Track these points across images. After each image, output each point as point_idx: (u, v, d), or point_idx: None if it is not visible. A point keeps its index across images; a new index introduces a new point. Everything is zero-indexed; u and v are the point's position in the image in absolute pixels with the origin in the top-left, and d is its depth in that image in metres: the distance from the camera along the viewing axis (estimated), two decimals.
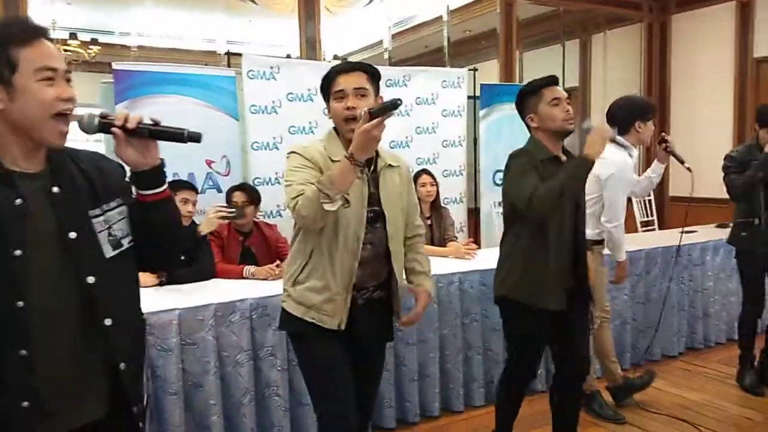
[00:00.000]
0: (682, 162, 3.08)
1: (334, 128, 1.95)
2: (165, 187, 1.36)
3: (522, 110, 2.39)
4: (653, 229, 6.08)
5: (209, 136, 4.10)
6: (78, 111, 1.27)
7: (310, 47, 4.88)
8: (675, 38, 6.74)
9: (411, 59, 6.45)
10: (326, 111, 1.96)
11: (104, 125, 1.27)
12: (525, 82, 3.52)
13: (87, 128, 1.27)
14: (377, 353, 2.11)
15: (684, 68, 6.67)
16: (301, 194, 1.74)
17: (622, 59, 6.86)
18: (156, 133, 1.32)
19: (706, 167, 6.39)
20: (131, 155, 1.30)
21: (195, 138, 1.33)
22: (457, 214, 4.70)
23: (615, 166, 2.84)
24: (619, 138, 2.94)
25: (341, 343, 1.91)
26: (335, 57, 5.54)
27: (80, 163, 1.29)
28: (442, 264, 3.32)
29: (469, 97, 5.03)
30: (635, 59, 6.89)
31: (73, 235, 1.22)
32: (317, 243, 1.86)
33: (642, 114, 2.99)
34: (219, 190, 3.96)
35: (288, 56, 4.90)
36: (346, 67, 1.94)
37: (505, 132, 5.11)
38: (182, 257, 2.99)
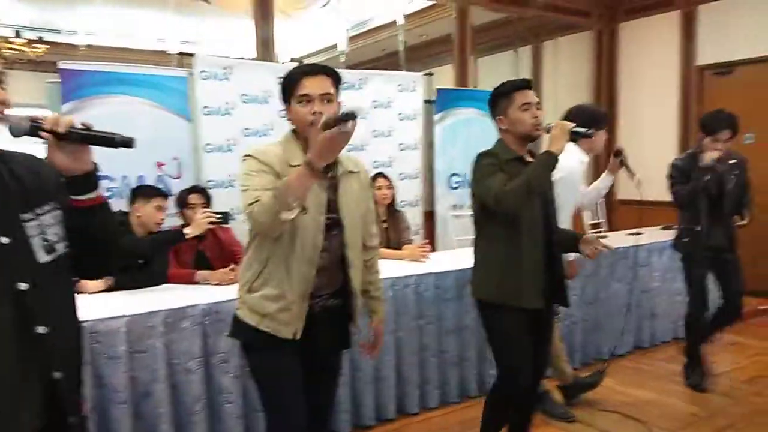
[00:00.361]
0: (633, 175, 3.08)
1: (293, 131, 1.89)
2: (98, 192, 1.30)
3: (492, 110, 2.41)
4: (602, 232, 6.24)
5: (160, 138, 4.11)
6: (16, 112, 1.21)
7: (265, 49, 4.83)
8: (623, 46, 6.96)
9: (367, 63, 6.46)
10: (285, 113, 1.89)
11: (34, 129, 1.21)
12: (480, 87, 3.53)
13: (15, 132, 1.20)
14: (333, 362, 2.08)
15: (631, 75, 6.88)
16: (258, 200, 1.69)
17: (572, 65, 7.03)
18: (87, 137, 1.25)
19: (651, 171, 6.61)
20: (62, 160, 1.25)
21: (127, 143, 1.29)
22: (413, 218, 4.73)
23: (565, 170, 2.86)
24: (571, 144, 3.00)
25: (296, 352, 1.86)
26: (291, 59, 5.50)
27: (12, 165, 1.23)
28: (397, 267, 3.33)
29: (425, 101, 5.08)
30: (585, 66, 7.07)
31: (4, 240, 1.16)
32: (273, 250, 1.81)
33: (595, 122, 3.01)
34: (170, 194, 3.86)
35: (242, 57, 4.83)
36: (312, 69, 1.87)
37: (461, 136, 5.18)
38: (140, 262, 2.95)
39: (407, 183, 4.91)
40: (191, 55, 4.08)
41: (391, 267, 3.33)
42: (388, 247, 3.78)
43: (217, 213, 3.06)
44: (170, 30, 5.52)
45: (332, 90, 1.87)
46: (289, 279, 1.80)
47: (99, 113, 3.70)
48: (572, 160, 2.95)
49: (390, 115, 4.82)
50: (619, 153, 3.15)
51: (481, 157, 2.34)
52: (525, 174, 2.19)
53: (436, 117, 5.15)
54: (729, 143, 3.28)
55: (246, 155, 1.83)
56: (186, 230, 2.97)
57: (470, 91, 5.52)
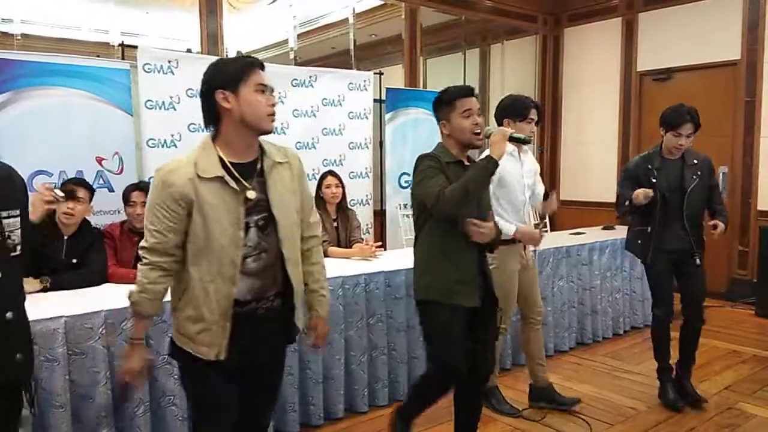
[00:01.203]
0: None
1: (212, 136, 1.79)
2: None
3: (436, 116, 2.47)
4: (545, 231, 6.40)
5: (100, 132, 3.96)
6: None
7: (212, 42, 4.73)
8: (567, 50, 7.16)
9: (317, 60, 6.40)
10: (224, 100, 1.73)
11: None
12: (429, 88, 3.51)
13: None
14: (277, 360, 1.99)
15: (575, 79, 7.09)
16: (145, 249, 1.74)
17: (518, 68, 7.18)
18: None
19: (593, 173, 6.89)
20: None
21: None
22: (363, 216, 4.73)
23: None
24: None
25: (224, 367, 1.77)
26: (238, 53, 5.40)
27: None
28: (347, 265, 3.32)
29: (375, 101, 5.08)
30: (530, 69, 7.23)
31: None
32: (189, 274, 1.74)
33: (510, 113, 3.04)
34: (111, 189, 3.75)
35: (189, 50, 4.71)
36: (263, 65, 1.83)
37: (411, 136, 5.22)
38: (74, 261, 2.84)
39: (357, 182, 4.91)
40: (134, 47, 3.95)
41: (341, 266, 3.32)
42: (338, 246, 3.77)
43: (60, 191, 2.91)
44: (112, 21, 5.33)
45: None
46: (207, 300, 1.72)
47: (35, 105, 3.55)
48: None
49: (340, 113, 4.80)
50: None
51: (423, 159, 2.39)
52: (465, 178, 2.27)
53: (387, 116, 5.17)
54: (691, 138, 3.15)
55: (156, 172, 1.74)
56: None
57: (420, 92, 5.57)
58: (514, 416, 3.18)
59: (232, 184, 1.71)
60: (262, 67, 1.81)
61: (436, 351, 2.43)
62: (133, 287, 1.76)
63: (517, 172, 3.06)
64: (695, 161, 3.23)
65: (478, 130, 2.35)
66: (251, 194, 1.75)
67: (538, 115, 3.11)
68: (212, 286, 1.72)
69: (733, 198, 5.74)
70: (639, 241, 3.33)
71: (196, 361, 1.76)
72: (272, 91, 1.82)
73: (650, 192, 3.10)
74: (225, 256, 1.71)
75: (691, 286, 3.30)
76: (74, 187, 2.92)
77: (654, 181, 3.17)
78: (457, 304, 2.32)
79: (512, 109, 3.08)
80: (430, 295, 2.37)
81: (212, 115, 1.77)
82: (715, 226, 3.13)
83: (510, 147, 2.98)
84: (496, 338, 2.57)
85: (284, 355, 2.03)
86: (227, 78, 1.74)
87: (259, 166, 1.80)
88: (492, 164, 2.28)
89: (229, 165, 1.73)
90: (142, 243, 1.75)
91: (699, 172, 3.21)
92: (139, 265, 1.76)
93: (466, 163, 2.42)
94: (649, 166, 3.21)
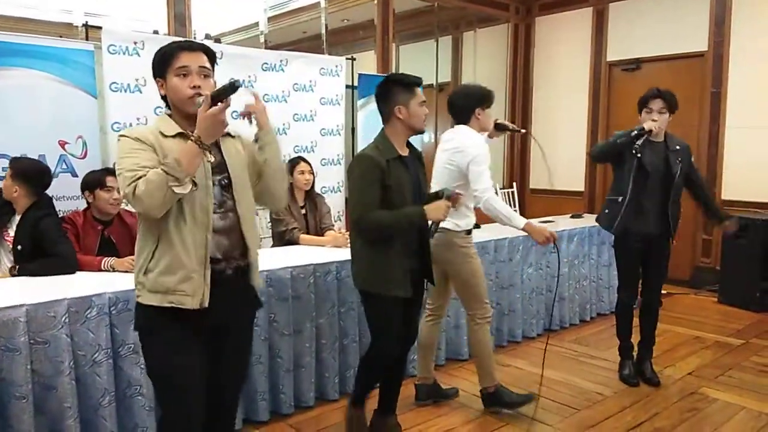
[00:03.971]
0: (515, 130, 3.15)
1: (167, 114, 1.89)
2: None
3: (388, 98, 2.48)
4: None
5: (63, 115, 3.85)
6: None
7: (179, 24, 4.62)
8: (538, 39, 7.20)
9: (288, 44, 6.32)
10: (159, 88, 1.87)
11: None
12: None
13: None
14: (245, 332, 2.02)
15: (545, 68, 7.14)
16: (138, 179, 1.68)
17: (490, 57, 7.19)
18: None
19: (563, 161, 6.96)
20: None
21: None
22: (335, 203, 4.70)
23: (475, 147, 2.89)
24: (464, 127, 3.00)
25: (200, 333, 1.82)
26: (207, 36, 5.28)
27: None
28: (318, 253, 3.30)
29: (347, 87, 5.03)
30: (502, 57, 7.26)
31: None
32: (164, 225, 1.77)
33: (480, 101, 3.04)
34: (74, 174, 3.64)
35: (155, 32, 4.59)
36: (190, 45, 1.88)
37: (377, 121, 5.18)
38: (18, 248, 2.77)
39: (329, 168, 4.87)
40: (99, 27, 3.83)
41: (312, 253, 3.29)
42: (308, 233, 3.74)
43: None
44: (76, 1, 5.17)
45: (208, 65, 1.88)
46: (184, 248, 1.77)
47: None
48: (478, 139, 2.95)
49: (312, 98, 4.74)
50: (495, 122, 3.19)
51: (361, 161, 2.44)
52: (395, 219, 2.38)
53: (359, 103, 5.13)
54: (666, 117, 3.23)
55: (120, 136, 1.82)
56: None
57: None
58: (531, 401, 3.07)
59: (194, 139, 1.74)
60: (190, 49, 1.85)
61: (374, 336, 2.59)
62: (161, 179, 1.66)
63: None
64: (677, 147, 3.32)
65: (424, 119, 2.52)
66: (210, 156, 1.82)
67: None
68: (189, 234, 1.77)
69: None
70: (606, 211, 3.40)
71: (173, 319, 1.77)
72: (202, 69, 1.85)
73: (651, 123, 3.18)
74: (197, 204, 1.78)
75: (655, 271, 3.44)
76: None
77: (639, 156, 3.21)
78: (394, 296, 2.44)
79: (483, 98, 3.07)
80: (368, 286, 2.49)
81: (164, 100, 1.91)
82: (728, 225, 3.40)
83: (485, 137, 3.06)
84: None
85: (252, 322, 2.08)
86: (157, 66, 1.87)
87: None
88: (422, 222, 2.42)
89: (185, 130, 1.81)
90: (126, 182, 1.70)
91: (680, 159, 3.29)
92: (137, 188, 1.67)
93: (404, 154, 2.50)
94: (635, 142, 3.21)
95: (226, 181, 1.87)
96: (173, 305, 1.77)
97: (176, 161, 1.67)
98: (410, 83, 2.48)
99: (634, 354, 3.57)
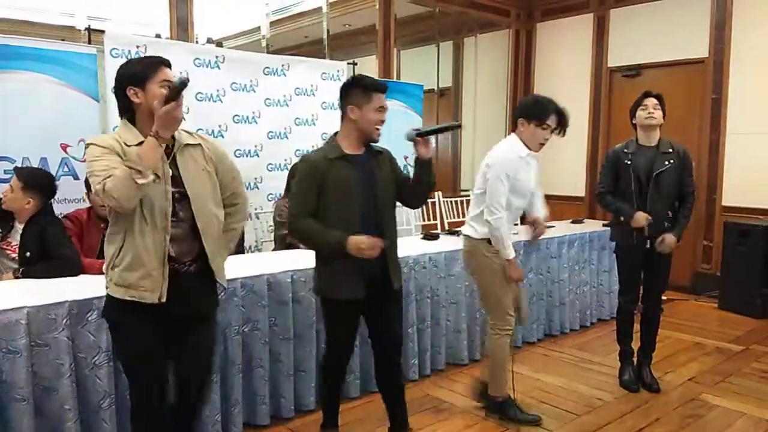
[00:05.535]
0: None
1: (127, 119, 2.03)
2: None
3: (345, 97, 2.46)
4: (516, 224, 6.46)
5: (65, 118, 3.86)
6: None
7: (182, 28, 4.63)
8: (539, 45, 7.21)
9: (290, 49, 6.32)
10: (135, 96, 1.98)
11: None
12: (403, 79, 3.46)
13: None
14: (201, 327, 2.17)
15: (546, 74, 7.15)
16: (108, 177, 1.84)
17: (491, 62, 7.21)
18: None
19: (563, 167, 6.97)
20: None
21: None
22: None
23: (496, 158, 2.88)
24: (512, 136, 2.97)
25: (160, 323, 2.00)
26: (209, 40, 5.30)
27: None
28: None
29: None
30: (503, 62, 7.27)
31: None
32: (128, 226, 1.95)
33: (525, 113, 2.92)
34: (76, 177, 3.66)
35: (158, 36, 4.61)
36: (169, 63, 2.05)
37: (384, 127, 5.18)
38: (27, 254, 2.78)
39: None
40: (101, 31, 3.85)
41: (313, 257, 3.28)
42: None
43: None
44: (79, 4, 5.19)
45: None
46: (145, 247, 1.95)
47: None
48: (507, 151, 2.90)
49: (313, 103, 4.76)
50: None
51: (302, 161, 2.50)
52: (317, 236, 2.37)
53: None
54: (659, 112, 3.28)
55: (87, 143, 1.98)
56: None
57: (393, 83, 5.54)
58: (537, 424, 3.02)
59: (152, 133, 1.90)
60: (169, 66, 2.04)
61: (327, 339, 2.60)
62: (126, 175, 1.83)
63: (527, 178, 2.93)
64: (670, 150, 3.32)
65: (380, 126, 2.43)
66: (167, 168, 1.98)
67: (560, 123, 2.92)
68: (149, 235, 1.95)
69: (698, 194, 5.86)
70: (616, 221, 3.46)
71: (135, 310, 1.96)
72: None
73: (649, 217, 3.23)
74: (157, 207, 1.96)
75: (656, 278, 3.43)
76: (14, 175, 2.92)
77: (629, 163, 3.30)
78: (336, 299, 2.43)
79: (529, 111, 2.92)
80: (316, 290, 2.56)
81: (125, 107, 2.02)
82: (662, 240, 3.26)
83: (523, 151, 2.89)
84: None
85: (212, 318, 2.26)
86: (135, 76, 1.98)
87: (171, 148, 2.02)
88: (340, 246, 2.29)
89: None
90: (98, 187, 1.86)
91: (672, 160, 3.29)
92: (107, 185, 1.83)
93: (355, 153, 2.43)
94: (625, 151, 3.35)
95: (177, 195, 2.00)
96: (134, 299, 1.96)
97: (138, 155, 1.85)
98: (368, 87, 2.41)
99: (635, 360, 3.57)
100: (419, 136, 2.45)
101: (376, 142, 2.48)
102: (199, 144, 2.11)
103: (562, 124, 2.95)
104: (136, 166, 1.82)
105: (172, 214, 1.99)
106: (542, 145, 2.94)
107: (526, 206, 3.03)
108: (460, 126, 2.62)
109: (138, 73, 1.98)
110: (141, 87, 1.97)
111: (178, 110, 1.89)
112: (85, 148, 1.98)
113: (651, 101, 3.31)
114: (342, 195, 2.37)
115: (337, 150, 2.42)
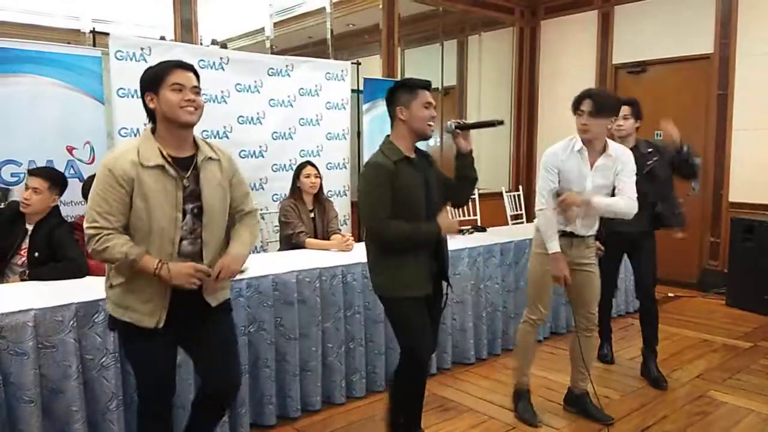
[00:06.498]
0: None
1: (151, 129, 2.00)
2: None
3: (393, 101, 2.48)
4: (522, 222, 6.46)
5: (71, 120, 3.89)
6: None
7: (186, 30, 4.65)
8: (543, 42, 7.19)
9: (294, 49, 6.33)
10: (149, 102, 1.97)
11: None
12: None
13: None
14: (215, 335, 2.12)
15: (551, 71, 7.13)
16: (101, 235, 1.86)
17: (495, 60, 7.19)
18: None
19: None
20: None
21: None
22: (341, 207, 4.71)
23: (547, 151, 2.99)
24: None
25: (163, 335, 1.98)
26: (213, 42, 5.31)
27: None
28: (325, 257, 3.31)
29: (352, 91, 5.05)
30: (507, 60, 7.26)
31: None
32: None
33: (573, 105, 2.98)
34: (81, 179, 3.67)
35: (162, 38, 4.62)
36: (184, 64, 2.01)
37: (388, 126, 5.17)
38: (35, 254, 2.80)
39: (335, 173, 4.88)
40: (106, 34, 3.87)
41: (318, 257, 3.30)
42: (315, 237, 3.74)
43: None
44: (84, 7, 5.22)
45: (198, 84, 2.01)
46: (149, 275, 1.90)
47: (4, 93, 3.46)
48: (562, 142, 3.00)
49: (318, 103, 4.76)
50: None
51: (370, 168, 2.42)
52: (415, 232, 2.35)
53: (365, 107, 5.14)
54: (630, 121, 3.39)
55: (102, 164, 1.93)
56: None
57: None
58: (608, 424, 2.99)
59: (172, 172, 1.92)
60: (183, 67, 1.98)
61: (401, 342, 2.49)
62: (112, 255, 1.88)
63: (577, 170, 2.88)
64: (650, 149, 3.43)
65: (432, 123, 2.43)
66: (187, 182, 1.96)
67: (595, 105, 2.86)
68: None
69: (705, 190, 5.84)
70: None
71: (135, 329, 1.96)
72: (195, 88, 1.98)
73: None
74: (165, 236, 1.92)
75: (641, 270, 3.57)
76: (33, 179, 2.91)
77: None
78: (410, 296, 2.39)
79: (574, 101, 2.99)
80: (385, 291, 2.46)
81: (149, 113, 2.01)
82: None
83: (578, 144, 2.92)
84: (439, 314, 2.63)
85: (226, 323, 2.17)
86: (150, 81, 1.97)
87: (194, 161, 2.00)
88: (436, 234, 2.38)
89: (167, 156, 1.94)
90: (90, 224, 1.88)
91: (655, 158, 3.39)
92: (95, 244, 1.87)
93: (412, 156, 2.44)
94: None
95: (197, 210, 1.98)
96: (132, 321, 1.95)
97: (134, 261, 1.86)
98: (414, 85, 2.46)
99: (612, 336, 3.86)
100: (459, 129, 2.49)
101: (430, 138, 2.51)
102: (219, 159, 2.07)
103: (598, 106, 2.90)
104: (128, 264, 1.86)
105: (191, 230, 1.98)
106: (582, 132, 2.91)
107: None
108: (502, 122, 2.57)
109: (151, 77, 1.97)
110: (155, 92, 1.95)
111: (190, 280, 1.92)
112: (100, 167, 1.93)
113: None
114: (407, 197, 2.38)
115: (399, 152, 2.41)
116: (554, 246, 2.84)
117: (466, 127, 2.51)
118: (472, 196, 5.55)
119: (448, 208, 2.70)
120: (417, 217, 2.39)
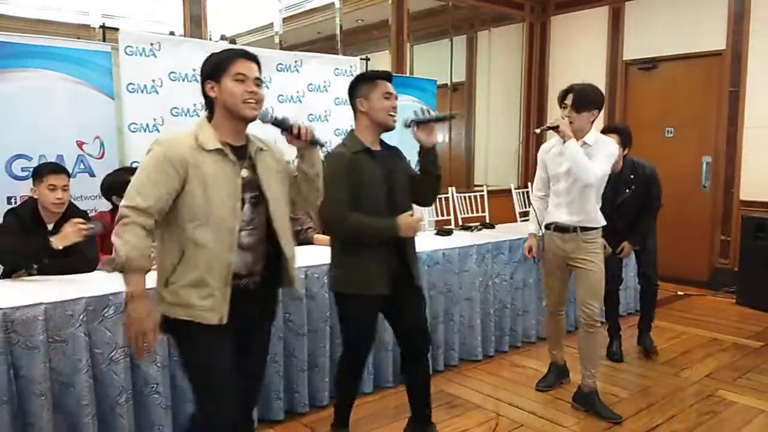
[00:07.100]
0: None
1: (207, 117, 1.95)
2: None
3: (353, 94, 2.47)
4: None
5: (81, 115, 3.89)
6: None
7: (195, 25, 4.65)
8: (554, 38, 7.15)
9: (303, 45, 6.33)
10: (210, 89, 1.91)
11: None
12: (416, 74, 3.41)
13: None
14: (262, 339, 2.12)
15: (561, 67, 7.09)
16: (128, 219, 1.75)
17: (505, 56, 7.16)
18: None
19: None
20: None
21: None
22: None
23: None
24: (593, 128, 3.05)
25: (225, 335, 1.87)
26: (222, 37, 5.31)
27: None
28: None
29: None
30: (517, 56, 7.22)
31: None
32: (188, 241, 1.82)
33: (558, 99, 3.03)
34: (92, 174, 3.69)
35: (171, 33, 4.63)
36: (248, 54, 1.94)
37: (398, 122, 5.17)
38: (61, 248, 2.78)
39: None
40: (116, 29, 3.87)
41: (325, 253, 3.28)
42: (324, 233, 3.74)
43: (89, 224, 2.74)
44: (93, 2, 5.23)
45: (261, 75, 1.96)
46: (208, 267, 1.81)
47: (14, 88, 3.46)
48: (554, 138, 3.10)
49: (326, 99, 4.75)
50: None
51: (329, 157, 2.40)
52: (372, 227, 2.34)
53: None
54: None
55: (155, 142, 1.85)
56: (53, 241, 2.66)
57: (407, 78, 5.53)
58: (616, 422, 2.99)
59: (232, 157, 1.86)
60: (247, 57, 1.92)
61: (343, 337, 2.57)
62: (119, 247, 1.74)
63: (558, 157, 3.05)
64: (632, 176, 3.64)
65: (393, 113, 2.42)
66: (245, 172, 1.90)
67: (576, 99, 2.93)
68: (212, 255, 1.81)
69: (715, 188, 5.80)
70: None
71: (196, 329, 1.82)
72: (257, 79, 1.93)
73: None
74: (224, 225, 1.83)
75: (642, 259, 3.93)
76: (57, 177, 2.89)
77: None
78: (359, 293, 2.39)
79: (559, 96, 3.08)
80: (336, 286, 2.47)
81: (207, 102, 1.94)
82: (621, 250, 3.67)
83: (555, 138, 3.06)
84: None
85: (268, 334, 2.16)
86: (212, 69, 1.91)
87: (247, 151, 1.95)
88: (393, 230, 2.33)
89: (225, 143, 1.88)
90: (127, 202, 1.76)
91: (633, 186, 3.62)
92: (119, 225, 1.76)
93: (376, 149, 2.44)
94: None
95: (255, 199, 1.91)
96: (194, 319, 1.82)
97: (123, 268, 1.75)
98: (373, 76, 2.45)
99: (621, 334, 3.96)
100: (415, 123, 2.45)
101: (392, 129, 2.46)
102: (269, 149, 2.03)
103: (560, 98, 3.05)
104: (117, 263, 1.75)
105: (249, 221, 1.89)
106: (568, 123, 2.93)
107: (569, 189, 3.02)
108: (454, 116, 2.58)
109: (214, 65, 1.91)
110: (217, 81, 1.88)
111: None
112: (152, 146, 1.83)
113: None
114: (367, 189, 2.36)
115: (359, 144, 2.41)
116: (531, 228, 3.32)
117: (421, 122, 2.44)
118: (440, 195, 5.47)
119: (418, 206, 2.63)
120: (377, 212, 2.36)
